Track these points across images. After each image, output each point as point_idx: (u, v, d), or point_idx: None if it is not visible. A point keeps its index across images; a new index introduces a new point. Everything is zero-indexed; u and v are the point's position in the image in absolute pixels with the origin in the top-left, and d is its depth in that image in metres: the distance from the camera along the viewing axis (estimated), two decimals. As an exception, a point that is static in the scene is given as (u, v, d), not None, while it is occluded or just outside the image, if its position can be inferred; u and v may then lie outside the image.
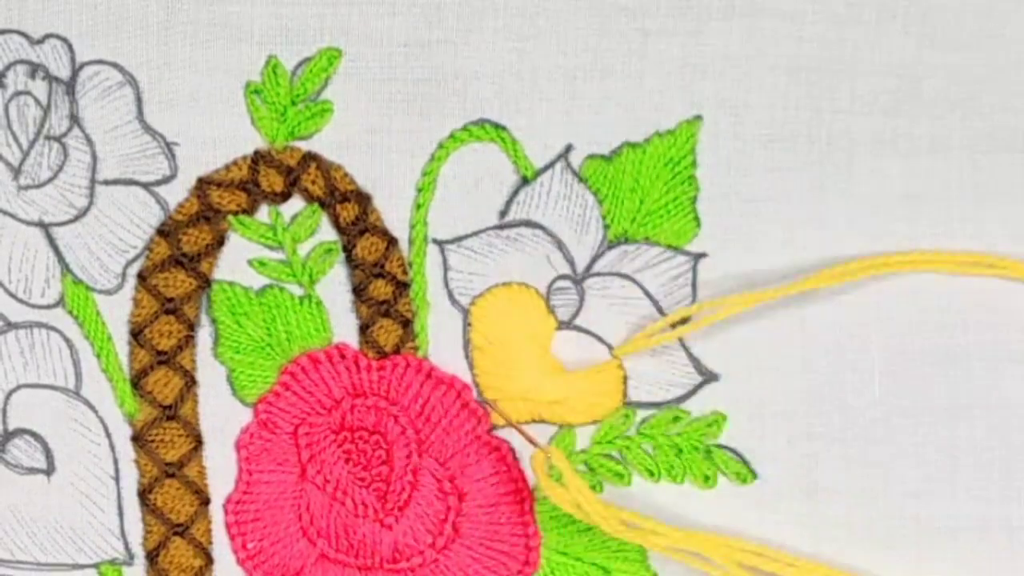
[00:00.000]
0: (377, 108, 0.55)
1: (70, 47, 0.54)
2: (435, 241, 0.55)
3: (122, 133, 0.54)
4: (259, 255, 0.55)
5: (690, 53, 0.55)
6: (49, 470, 0.54)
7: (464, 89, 0.55)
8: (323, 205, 0.55)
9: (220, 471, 0.55)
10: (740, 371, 0.56)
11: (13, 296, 0.54)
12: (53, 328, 0.54)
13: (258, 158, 0.55)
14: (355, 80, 0.55)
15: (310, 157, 0.55)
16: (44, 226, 0.54)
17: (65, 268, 0.54)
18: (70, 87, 0.54)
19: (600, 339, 0.55)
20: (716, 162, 0.56)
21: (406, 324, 0.55)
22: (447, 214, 0.55)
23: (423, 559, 0.55)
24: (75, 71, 0.54)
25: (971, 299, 0.56)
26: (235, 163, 0.55)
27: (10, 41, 0.54)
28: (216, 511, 0.55)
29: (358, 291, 0.55)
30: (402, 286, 0.55)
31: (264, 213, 0.55)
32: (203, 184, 0.55)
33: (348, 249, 0.55)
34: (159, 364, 0.55)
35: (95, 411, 0.54)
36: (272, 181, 0.55)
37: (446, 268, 0.55)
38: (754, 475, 0.55)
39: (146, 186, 0.55)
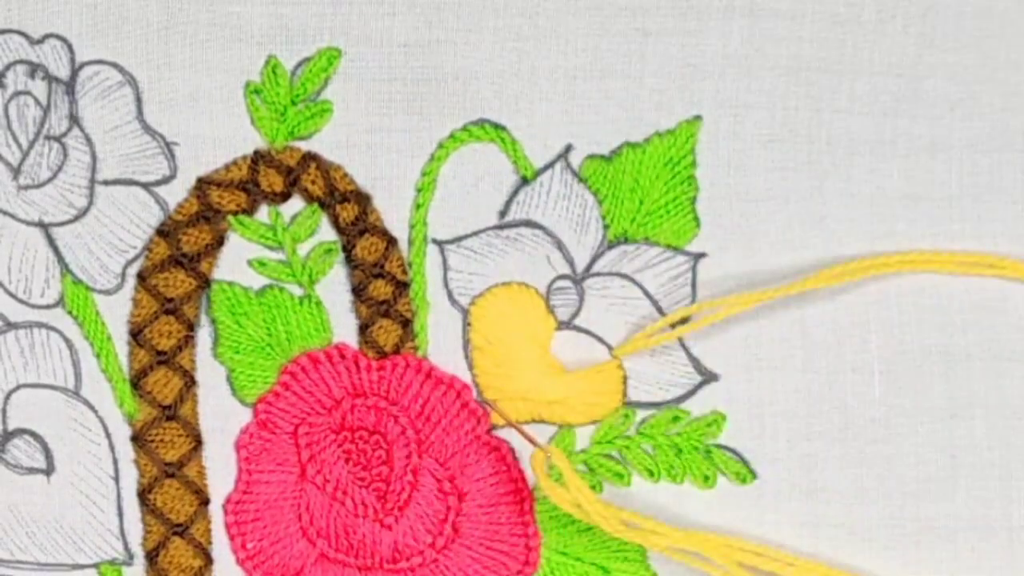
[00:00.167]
0: (377, 108, 0.55)
1: (70, 47, 0.54)
2: (435, 241, 0.55)
3: (122, 133, 0.54)
4: (259, 255, 0.55)
5: (690, 53, 0.55)
6: (49, 470, 0.54)
7: (464, 89, 0.55)
8: (323, 205, 0.55)
9: (220, 471, 0.55)
10: (740, 371, 0.55)
11: (13, 296, 0.54)
12: (53, 328, 0.54)
13: (258, 158, 0.55)
14: (355, 80, 0.55)
15: (310, 157, 0.55)
16: (44, 226, 0.54)
17: (65, 268, 0.54)
18: (70, 87, 0.54)
19: (600, 339, 0.55)
20: (716, 162, 0.56)
21: (406, 324, 0.55)
22: (447, 214, 0.55)
23: (423, 559, 0.55)
24: (75, 71, 0.54)
25: (971, 299, 0.56)
26: (235, 163, 0.55)
27: (10, 41, 0.54)
28: (216, 511, 0.55)
29: (358, 291, 0.55)
30: (402, 286, 0.55)
31: (264, 213, 0.55)
32: (203, 184, 0.55)
33: (348, 249, 0.55)
34: (159, 364, 0.55)
35: (95, 411, 0.54)
36: (272, 181, 0.55)
37: (446, 268, 0.55)
38: (754, 475, 0.55)
39: (146, 186, 0.55)
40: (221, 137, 0.55)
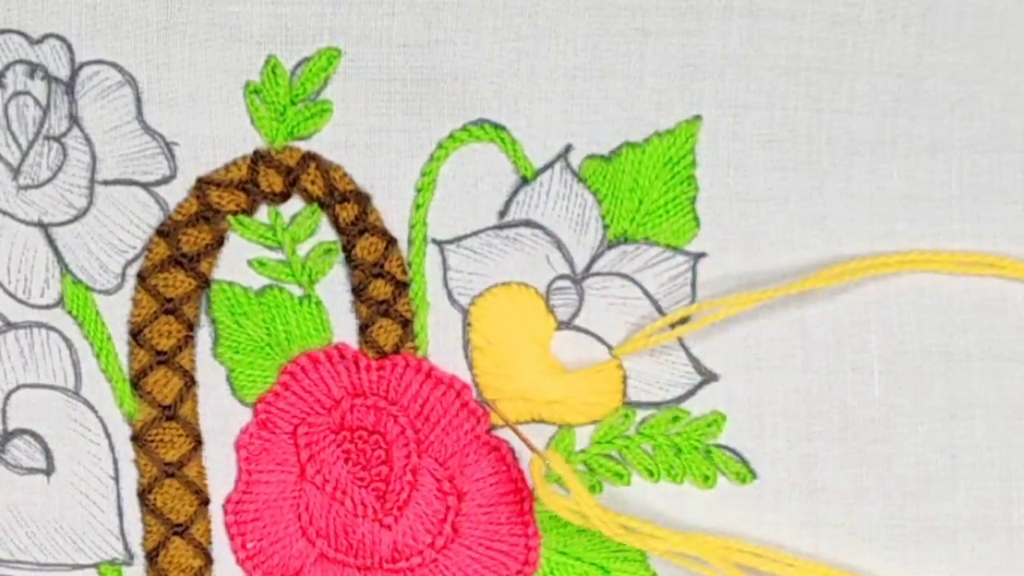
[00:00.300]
0: (376, 108, 0.55)
1: (69, 47, 0.54)
2: (435, 241, 0.55)
3: (121, 133, 0.54)
4: (259, 255, 0.55)
5: (690, 53, 0.55)
6: (49, 470, 0.54)
7: (464, 89, 0.55)
8: (322, 205, 0.55)
9: (220, 471, 0.55)
10: (740, 371, 0.55)
11: (13, 296, 0.54)
12: (53, 328, 0.54)
13: (257, 158, 0.55)
14: (354, 80, 0.55)
15: (309, 157, 0.55)
16: (43, 226, 0.54)
17: (64, 268, 0.54)
18: (69, 87, 0.54)
19: (600, 339, 0.55)
20: (715, 162, 0.56)
21: (405, 324, 0.55)
22: (446, 214, 0.55)
23: (422, 559, 0.55)
24: (74, 71, 0.54)
25: (971, 299, 0.56)
26: (234, 163, 0.55)
27: (9, 41, 0.54)
28: (216, 511, 0.55)
29: (358, 291, 0.55)
30: (401, 286, 0.55)
31: (264, 213, 0.55)
32: (202, 184, 0.55)
33: (348, 249, 0.55)
34: (159, 364, 0.55)
35: (95, 411, 0.54)
36: (271, 181, 0.55)
37: (445, 268, 0.55)
38: (753, 475, 0.55)
39: (145, 186, 0.55)
40: (221, 137, 0.55)
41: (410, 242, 0.55)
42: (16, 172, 0.54)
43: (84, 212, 0.54)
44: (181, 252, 0.55)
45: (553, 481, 0.54)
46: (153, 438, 0.55)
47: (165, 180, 0.55)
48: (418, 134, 0.55)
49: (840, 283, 0.55)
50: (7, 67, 0.54)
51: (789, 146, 0.56)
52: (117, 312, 0.55)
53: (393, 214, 0.55)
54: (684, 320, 0.55)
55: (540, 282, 0.55)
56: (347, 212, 0.55)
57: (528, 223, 0.55)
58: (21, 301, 0.54)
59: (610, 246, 0.56)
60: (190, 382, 0.55)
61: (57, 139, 0.54)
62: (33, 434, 0.54)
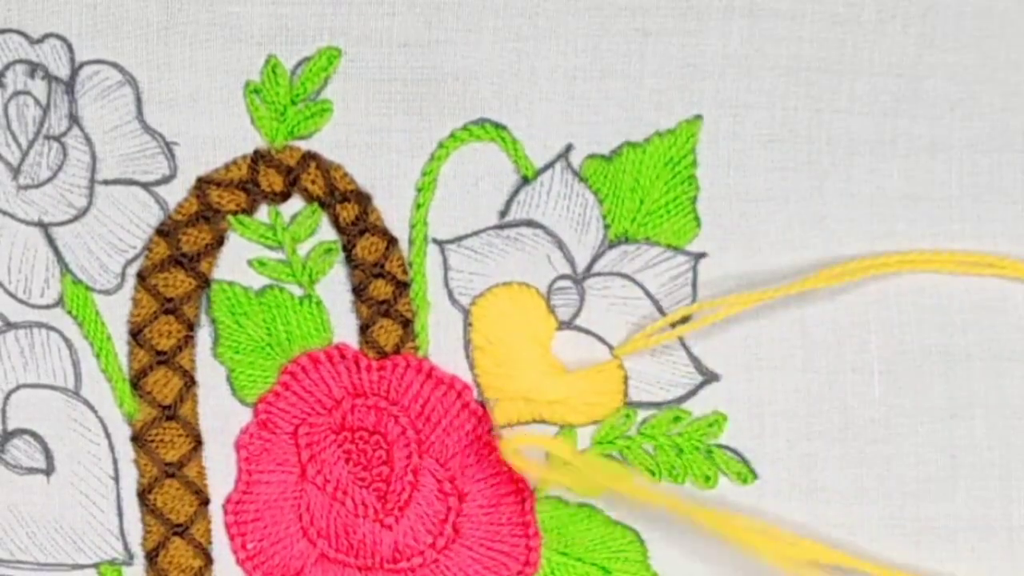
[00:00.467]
0: (377, 108, 0.55)
1: (69, 47, 0.54)
2: (435, 241, 0.55)
3: (122, 133, 0.54)
4: (259, 255, 0.55)
5: (690, 53, 0.55)
6: (49, 470, 0.54)
7: (464, 89, 0.55)
8: (323, 205, 0.55)
9: (220, 471, 0.55)
10: (741, 371, 0.56)
11: (13, 296, 0.54)
12: (53, 328, 0.54)
13: (258, 158, 0.55)
14: (355, 80, 0.55)
15: (310, 157, 0.55)
16: (43, 226, 0.54)
17: (64, 268, 0.54)
18: (69, 87, 0.54)
19: (601, 339, 0.55)
20: (716, 162, 0.56)
21: (406, 324, 0.55)
22: (447, 214, 0.55)
23: (423, 559, 0.55)
24: (74, 71, 0.54)
25: (971, 299, 0.56)
26: (235, 163, 0.55)
27: (9, 40, 0.54)
28: (216, 511, 0.55)
29: (358, 291, 0.55)
30: (402, 286, 0.55)
31: (264, 213, 0.55)
32: (202, 184, 0.55)
33: (348, 249, 0.55)
34: (158, 364, 0.54)
35: (95, 411, 0.54)
36: (272, 181, 0.55)
37: (446, 268, 0.55)
38: (754, 475, 0.55)
39: (146, 186, 0.54)
40: (221, 137, 0.55)
41: (411, 242, 0.55)
42: (16, 172, 0.54)
43: (84, 212, 0.54)
44: (181, 252, 0.55)
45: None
46: (153, 438, 0.54)
47: (165, 180, 0.55)
48: (419, 134, 0.55)
49: (840, 283, 0.55)
50: (7, 67, 0.54)
51: (789, 146, 0.56)
52: (117, 312, 0.55)
53: (394, 214, 0.55)
54: (685, 319, 0.55)
55: (541, 282, 0.55)
56: (347, 212, 0.55)
57: (529, 223, 0.55)
58: (21, 301, 0.54)
59: (611, 246, 0.56)
60: (190, 382, 0.55)
61: (57, 139, 0.54)
62: (33, 434, 0.54)
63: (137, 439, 0.55)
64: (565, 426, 0.55)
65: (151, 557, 0.54)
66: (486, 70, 0.55)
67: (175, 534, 0.55)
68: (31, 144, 0.54)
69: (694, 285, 0.56)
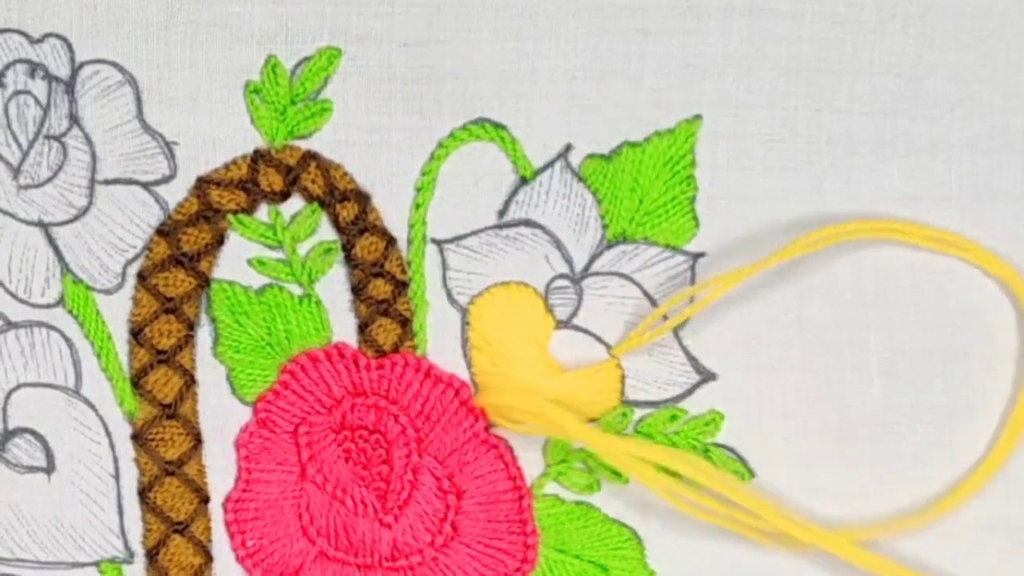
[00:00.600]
0: (377, 107, 0.55)
1: (69, 46, 0.54)
2: (434, 240, 0.55)
3: (122, 133, 0.54)
4: (259, 254, 0.55)
5: (690, 53, 0.55)
6: (49, 469, 0.54)
7: (464, 88, 0.55)
8: (323, 204, 0.55)
9: (220, 470, 0.55)
10: (738, 370, 0.55)
11: (13, 296, 0.54)
12: (53, 327, 0.54)
13: (258, 157, 0.55)
14: (355, 79, 0.55)
15: (310, 156, 0.55)
16: (44, 226, 0.54)
17: (65, 268, 0.54)
18: (70, 86, 0.54)
19: (598, 338, 0.56)
20: (715, 162, 0.56)
21: (405, 323, 0.55)
22: (446, 213, 0.55)
23: (422, 557, 0.55)
24: (75, 70, 0.54)
25: (971, 299, 0.56)
26: (234, 162, 0.55)
27: (10, 40, 0.54)
28: (216, 509, 0.55)
29: (357, 290, 0.55)
30: (401, 285, 0.55)
31: (264, 212, 0.55)
32: (203, 183, 0.55)
33: (347, 248, 0.55)
34: (159, 363, 0.55)
35: (95, 410, 0.55)
36: (272, 180, 0.55)
37: (445, 267, 0.55)
38: (751, 474, 0.55)
39: (146, 186, 0.55)
40: (221, 137, 0.55)
41: (409, 241, 0.55)
42: (16, 172, 0.54)
43: (84, 211, 0.54)
44: (181, 251, 0.55)
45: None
46: (153, 437, 0.55)
47: (165, 179, 0.55)
48: (418, 133, 0.55)
49: (837, 276, 0.55)
50: (7, 66, 0.54)
51: (789, 146, 0.56)
52: (117, 311, 0.55)
53: (393, 213, 0.55)
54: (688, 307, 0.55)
55: (539, 281, 0.56)
56: (347, 211, 0.55)
57: (527, 222, 0.55)
58: (22, 300, 0.55)
59: (609, 245, 0.56)
60: (190, 381, 0.55)
61: (57, 138, 0.54)
62: (34, 433, 0.54)
63: (137, 438, 0.55)
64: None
65: (151, 555, 0.55)
66: (486, 70, 0.55)
67: (175, 532, 0.55)
68: (31, 144, 0.54)
69: (692, 285, 0.56)
